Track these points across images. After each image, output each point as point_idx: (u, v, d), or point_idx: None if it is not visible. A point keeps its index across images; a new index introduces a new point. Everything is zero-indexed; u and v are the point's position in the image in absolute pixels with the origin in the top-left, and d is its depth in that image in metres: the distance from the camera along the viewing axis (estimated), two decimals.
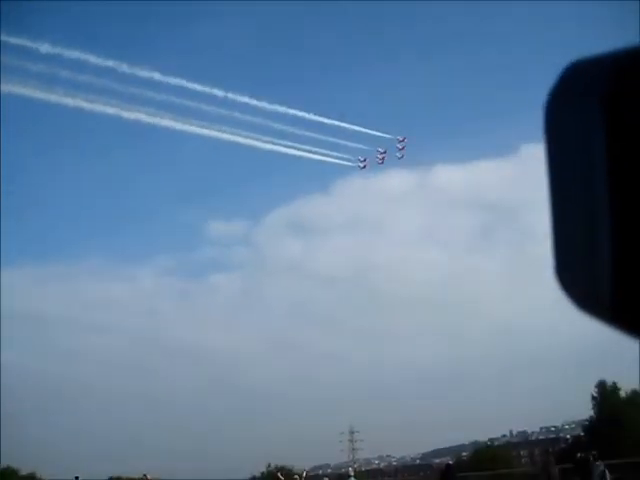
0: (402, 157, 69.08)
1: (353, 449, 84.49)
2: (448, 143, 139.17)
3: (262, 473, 62.41)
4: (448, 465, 36.82)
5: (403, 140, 68.37)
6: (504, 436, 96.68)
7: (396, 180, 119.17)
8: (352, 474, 32.83)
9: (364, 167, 68.88)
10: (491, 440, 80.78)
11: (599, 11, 68.09)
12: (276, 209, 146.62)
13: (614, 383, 50.43)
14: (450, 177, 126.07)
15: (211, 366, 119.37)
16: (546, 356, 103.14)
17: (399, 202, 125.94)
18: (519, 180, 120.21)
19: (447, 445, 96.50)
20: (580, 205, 0.89)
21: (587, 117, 0.87)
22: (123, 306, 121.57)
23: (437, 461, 75.28)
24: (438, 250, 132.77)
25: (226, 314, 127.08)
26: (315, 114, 65.09)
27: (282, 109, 62.43)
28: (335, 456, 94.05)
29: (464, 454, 70.97)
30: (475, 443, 78.05)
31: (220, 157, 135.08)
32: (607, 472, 27.99)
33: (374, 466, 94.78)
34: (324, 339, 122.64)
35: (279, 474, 36.08)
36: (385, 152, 67.52)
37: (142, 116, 57.21)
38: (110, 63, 53.26)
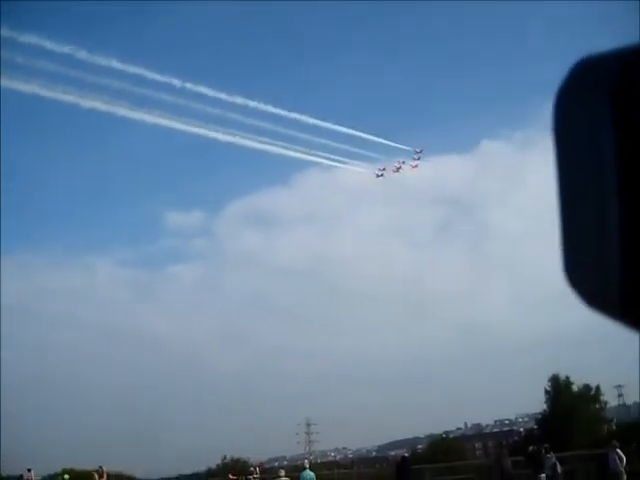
0: (416, 167, 69.59)
1: (309, 441, 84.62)
2: (410, 136, 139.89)
3: (218, 465, 61.98)
4: (403, 457, 37.07)
5: (420, 152, 68.72)
6: (459, 429, 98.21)
7: (357, 173, 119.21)
8: (308, 466, 32.66)
9: (381, 175, 69.36)
10: (446, 433, 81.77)
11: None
12: (235, 201, 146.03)
13: (567, 377, 51.26)
14: (412, 171, 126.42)
15: (168, 357, 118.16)
16: (500, 351, 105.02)
17: (360, 195, 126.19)
18: (481, 176, 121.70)
19: (403, 437, 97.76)
20: (589, 202, 0.89)
21: (596, 114, 0.87)
22: (80, 296, 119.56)
23: (393, 453, 75.57)
24: (400, 244, 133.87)
25: (184, 305, 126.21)
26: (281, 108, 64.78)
27: (241, 100, 61.88)
28: (291, 448, 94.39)
29: (419, 446, 71.55)
30: (430, 436, 78.80)
31: (180, 149, 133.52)
32: (558, 464, 28.51)
33: (330, 458, 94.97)
34: (283, 332, 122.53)
35: (230, 475, 35.80)
36: (404, 162, 68.05)
37: (98, 104, 55.70)
38: (66, 49, 51.77)
